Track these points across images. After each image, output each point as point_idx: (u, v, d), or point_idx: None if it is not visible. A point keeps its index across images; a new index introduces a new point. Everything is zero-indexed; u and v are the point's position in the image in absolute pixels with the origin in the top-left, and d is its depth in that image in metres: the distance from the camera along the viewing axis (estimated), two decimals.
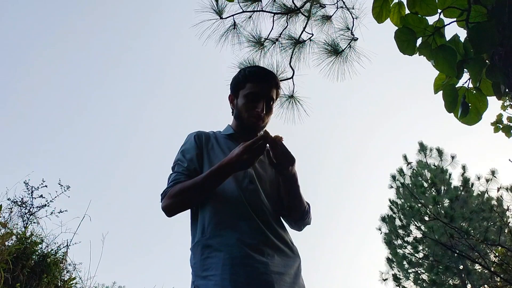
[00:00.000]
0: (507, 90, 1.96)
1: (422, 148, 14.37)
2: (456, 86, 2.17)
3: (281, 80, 3.27)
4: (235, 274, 1.40)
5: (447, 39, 2.19)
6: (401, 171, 14.11)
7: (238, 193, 1.58)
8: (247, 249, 1.46)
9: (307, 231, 1.86)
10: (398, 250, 12.99)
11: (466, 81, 2.20)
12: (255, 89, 1.73)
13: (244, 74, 1.78)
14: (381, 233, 13.72)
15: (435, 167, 13.72)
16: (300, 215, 1.72)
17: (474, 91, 2.15)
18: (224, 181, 1.54)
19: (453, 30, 2.17)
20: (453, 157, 13.69)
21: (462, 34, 2.16)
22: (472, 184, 12.97)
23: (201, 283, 1.45)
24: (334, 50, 2.98)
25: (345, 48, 2.94)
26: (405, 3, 2.14)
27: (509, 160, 2.74)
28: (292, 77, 3.27)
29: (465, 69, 2.12)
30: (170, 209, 1.57)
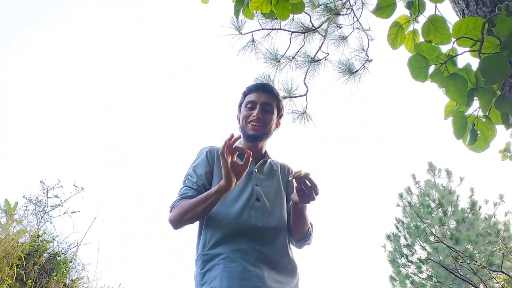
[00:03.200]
0: None
1: (431, 168, 14.32)
2: (466, 114, 2.22)
3: (294, 97, 3.35)
4: (231, 287, 1.45)
5: (459, 67, 2.25)
6: (408, 190, 14.06)
7: (243, 210, 1.65)
8: (245, 264, 1.52)
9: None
10: (402, 269, 12.90)
11: (476, 109, 2.25)
12: (251, 98, 1.85)
13: (244, 91, 1.91)
14: (385, 250, 13.64)
15: (443, 188, 13.65)
16: (301, 236, 1.77)
17: (483, 119, 2.20)
18: (218, 201, 1.56)
19: (466, 59, 2.23)
20: (461, 179, 13.62)
21: (474, 63, 2.22)
22: (480, 207, 12.88)
23: None
24: (348, 70, 3.05)
25: (359, 69, 3.01)
26: (419, 31, 2.20)
27: None
28: (305, 94, 3.35)
29: (475, 98, 2.18)
30: (175, 223, 1.63)
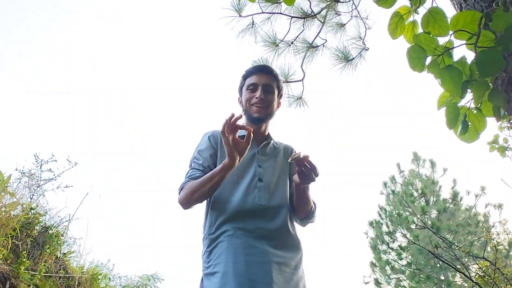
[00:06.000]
0: (506, 113, 2.09)
1: (416, 158, 14.55)
2: (458, 105, 2.30)
3: (291, 82, 3.40)
4: (237, 262, 1.52)
5: (455, 60, 2.31)
6: (393, 179, 14.30)
7: (246, 191, 1.71)
8: (250, 240, 1.59)
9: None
10: (382, 256, 13.20)
11: (468, 101, 2.32)
12: (252, 81, 1.88)
13: (243, 74, 1.94)
14: (367, 237, 13.92)
15: (426, 178, 13.91)
16: (305, 215, 1.84)
17: (475, 111, 2.28)
18: (225, 178, 1.62)
19: (462, 52, 2.30)
20: (445, 170, 13.89)
21: (470, 56, 2.29)
22: (461, 198, 13.19)
23: (208, 275, 1.59)
24: (345, 58, 3.10)
25: (355, 57, 3.06)
26: (419, 22, 2.26)
27: (501, 179, 2.88)
28: (302, 80, 3.39)
29: (468, 90, 2.25)
30: (184, 203, 1.69)
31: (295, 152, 1.63)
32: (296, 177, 1.69)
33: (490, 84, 2.19)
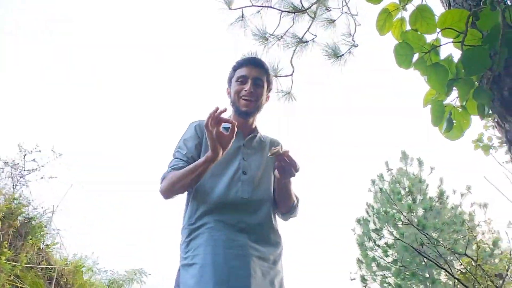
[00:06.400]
0: (490, 111, 2.10)
1: (404, 156, 14.67)
2: (444, 103, 2.31)
3: (280, 76, 3.39)
4: (216, 254, 1.52)
5: (442, 58, 2.32)
6: (381, 177, 14.40)
7: (229, 183, 1.69)
8: (230, 233, 1.59)
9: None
10: (369, 252, 13.31)
11: (454, 99, 2.33)
12: (242, 73, 1.85)
13: (234, 65, 1.91)
14: (354, 234, 14.03)
15: (414, 176, 14.04)
16: (287, 209, 1.84)
17: (460, 109, 2.29)
18: (207, 171, 1.61)
19: (449, 50, 2.30)
20: (432, 169, 14.02)
21: (456, 55, 2.30)
22: (447, 197, 13.33)
23: (185, 266, 1.58)
24: (334, 54, 3.10)
25: (345, 53, 3.06)
26: (407, 19, 2.26)
27: (484, 177, 2.91)
28: (291, 75, 3.38)
29: (454, 88, 2.26)
30: (166, 193, 1.68)
31: (273, 148, 1.62)
32: (276, 172, 1.68)
33: (476, 82, 2.21)
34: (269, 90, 1.94)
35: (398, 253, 12.74)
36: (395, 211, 12.85)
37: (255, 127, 1.95)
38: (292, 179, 1.75)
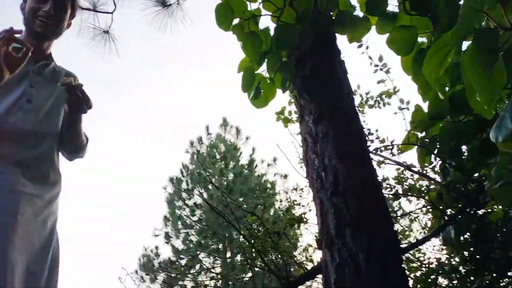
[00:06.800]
0: (291, 86, 2.29)
1: (225, 123, 15.41)
2: (256, 72, 2.43)
3: (100, 12, 3.09)
4: None
5: (261, 28, 2.42)
6: (200, 140, 14.87)
7: (9, 110, 1.50)
8: (2, 166, 1.43)
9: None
10: (177, 211, 13.74)
11: (265, 70, 2.48)
12: None
13: None
14: (165, 192, 14.28)
15: (230, 144, 14.89)
16: (74, 148, 1.73)
17: (268, 81, 2.45)
18: None
19: (269, 23, 2.40)
20: (247, 138, 15.10)
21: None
22: (256, 165, 14.59)
23: None
24: (163, 2, 2.96)
25: (173, 3, 2.95)
26: None
27: (277, 144, 3.27)
28: (112, 12, 3.11)
29: (266, 59, 2.39)
30: None
31: (65, 78, 1.47)
32: (66, 106, 1.54)
33: (284, 58, 2.37)
34: (72, 16, 1.73)
35: (204, 213, 13.46)
36: (208, 174, 13.48)
37: (50, 54, 1.72)
38: (83, 116, 1.64)
